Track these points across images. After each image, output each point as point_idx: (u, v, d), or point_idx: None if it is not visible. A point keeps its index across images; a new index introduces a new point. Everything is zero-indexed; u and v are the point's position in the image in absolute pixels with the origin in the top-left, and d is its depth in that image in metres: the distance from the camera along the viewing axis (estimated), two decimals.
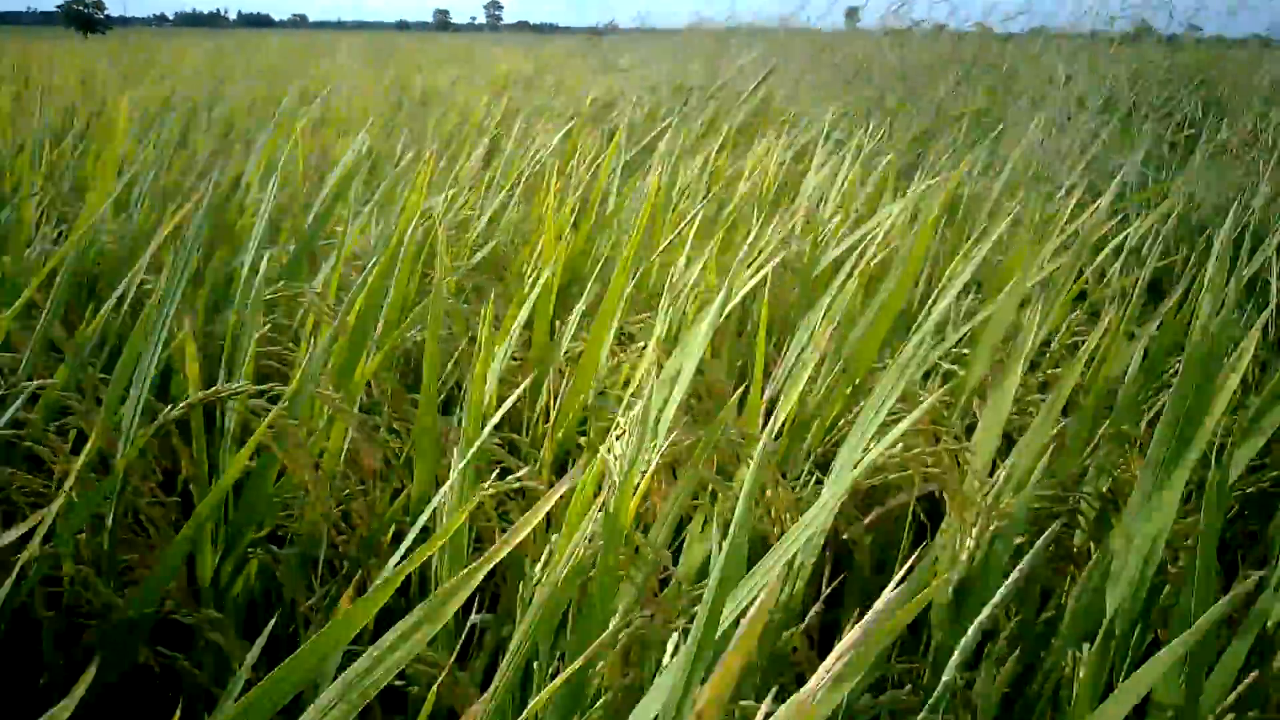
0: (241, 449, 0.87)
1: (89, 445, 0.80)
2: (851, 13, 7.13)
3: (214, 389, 0.86)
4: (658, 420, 0.72)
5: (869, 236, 1.35)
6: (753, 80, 3.83)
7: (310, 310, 1.03)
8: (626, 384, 1.18)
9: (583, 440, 1.08)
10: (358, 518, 0.98)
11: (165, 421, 0.86)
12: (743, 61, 4.67)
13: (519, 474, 0.86)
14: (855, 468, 0.71)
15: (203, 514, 0.79)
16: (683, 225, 1.32)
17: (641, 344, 1.16)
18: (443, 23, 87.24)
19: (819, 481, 0.96)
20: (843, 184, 1.72)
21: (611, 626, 0.63)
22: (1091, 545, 0.91)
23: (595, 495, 0.76)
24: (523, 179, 1.79)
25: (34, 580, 0.84)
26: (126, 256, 1.35)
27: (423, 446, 0.92)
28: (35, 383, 0.87)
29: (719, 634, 0.50)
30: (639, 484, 0.67)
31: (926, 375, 1.12)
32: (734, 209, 1.60)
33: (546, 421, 1.17)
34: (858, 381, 1.01)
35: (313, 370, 0.90)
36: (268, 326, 1.05)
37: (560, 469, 1.10)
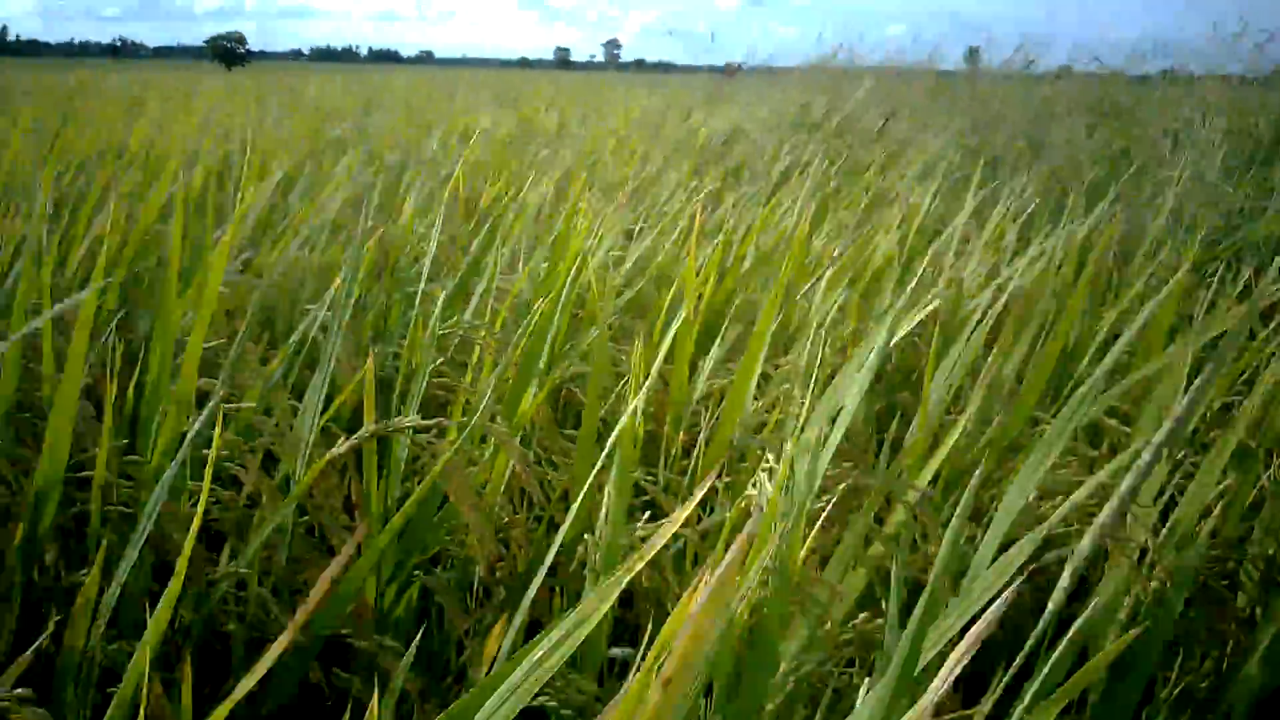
0: (415, 481, 0.92)
1: (282, 466, 0.86)
2: (972, 53, 7.03)
3: (392, 420, 0.91)
4: (815, 462, 0.74)
5: (1012, 284, 1.34)
6: (877, 120, 3.83)
7: (480, 345, 1.09)
8: (763, 426, 1.21)
9: (727, 480, 1.10)
10: (516, 546, 1.02)
11: (347, 448, 0.92)
12: (861, 96, 4.67)
13: (673, 516, 0.89)
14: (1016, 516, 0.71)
15: (382, 541, 0.84)
16: (826, 269, 1.33)
17: (785, 384, 1.18)
18: (563, 60, 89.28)
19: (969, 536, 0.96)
20: (985, 229, 1.72)
21: (783, 668, 0.65)
22: (1257, 610, 0.89)
23: (735, 533, 0.78)
24: (663, 218, 1.83)
25: (221, 591, 0.91)
26: (295, 288, 1.44)
27: (581, 478, 0.96)
28: (236, 405, 0.94)
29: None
30: (809, 528, 0.69)
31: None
32: (872, 251, 1.61)
33: (686, 458, 1.20)
34: (1013, 434, 1.01)
35: (485, 404, 0.96)
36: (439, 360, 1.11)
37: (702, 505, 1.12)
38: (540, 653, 0.46)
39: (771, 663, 0.65)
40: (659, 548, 0.52)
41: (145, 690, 0.54)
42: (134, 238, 1.44)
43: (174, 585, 0.56)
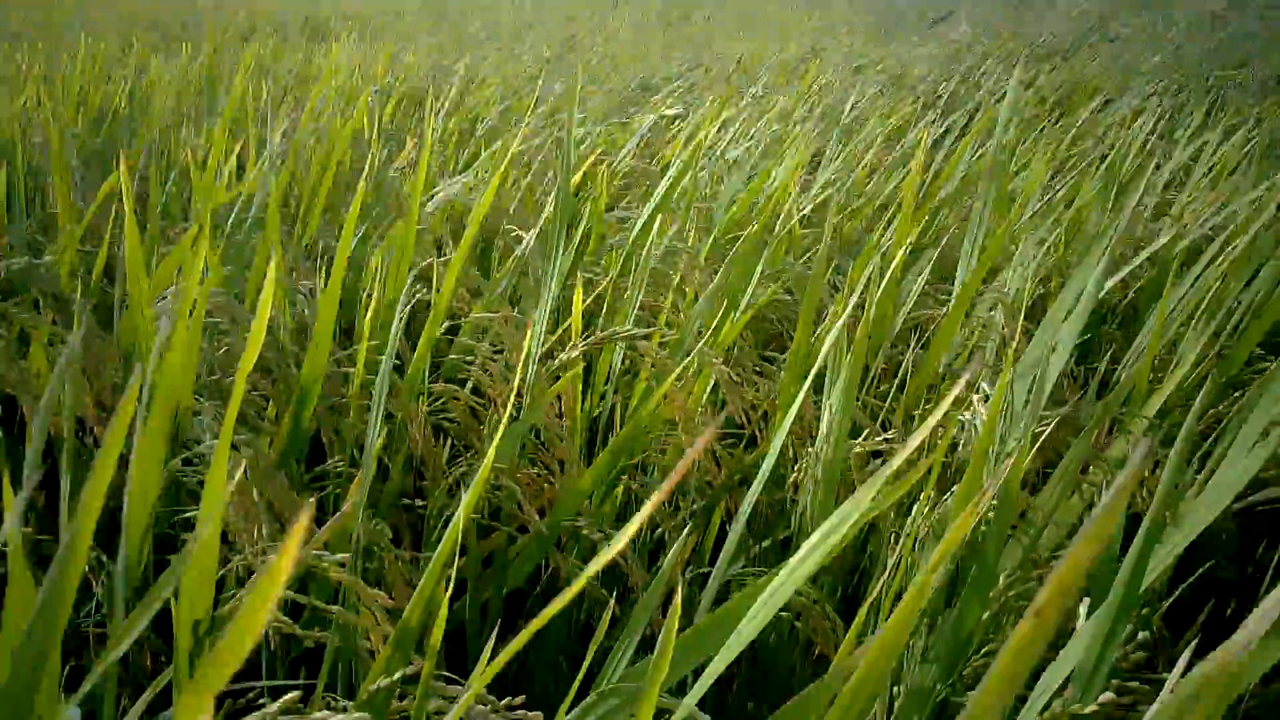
0: (637, 387, 0.98)
1: (517, 376, 0.94)
2: None
3: (615, 329, 0.97)
4: (1038, 387, 0.74)
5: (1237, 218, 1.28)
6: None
7: (688, 267, 1.13)
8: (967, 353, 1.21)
9: (929, 405, 1.11)
10: (719, 459, 1.07)
11: (568, 358, 0.98)
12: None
13: (885, 435, 0.92)
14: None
15: (617, 446, 0.90)
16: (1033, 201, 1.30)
17: (990, 311, 1.18)
18: None
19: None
20: (1206, 159, 1.63)
21: (1000, 585, 0.67)
22: None
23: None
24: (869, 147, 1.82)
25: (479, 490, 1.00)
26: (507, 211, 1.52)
27: (785, 399, 0.99)
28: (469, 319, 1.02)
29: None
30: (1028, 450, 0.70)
31: None
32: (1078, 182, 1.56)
33: (886, 383, 1.22)
34: (1232, 372, 0.98)
35: (691, 323, 1.00)
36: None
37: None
38: (794, 562, 0.48)
39: (989, 581, 0.68)
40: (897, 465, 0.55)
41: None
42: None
43: (477, 487, 0.63)
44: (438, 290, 1.05)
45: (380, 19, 5.57)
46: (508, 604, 1.03)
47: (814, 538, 0.50)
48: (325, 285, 0.89)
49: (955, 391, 0.43)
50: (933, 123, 2.25)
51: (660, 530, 1.08)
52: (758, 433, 1.11)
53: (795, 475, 0.94)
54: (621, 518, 1.11)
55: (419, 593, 0.53)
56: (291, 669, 0.94)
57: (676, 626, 0.43)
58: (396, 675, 0.52)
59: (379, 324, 1.08)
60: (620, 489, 1.11)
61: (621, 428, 1.08)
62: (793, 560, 0.49)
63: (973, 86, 3.02)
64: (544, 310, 0.99)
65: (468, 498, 0.52)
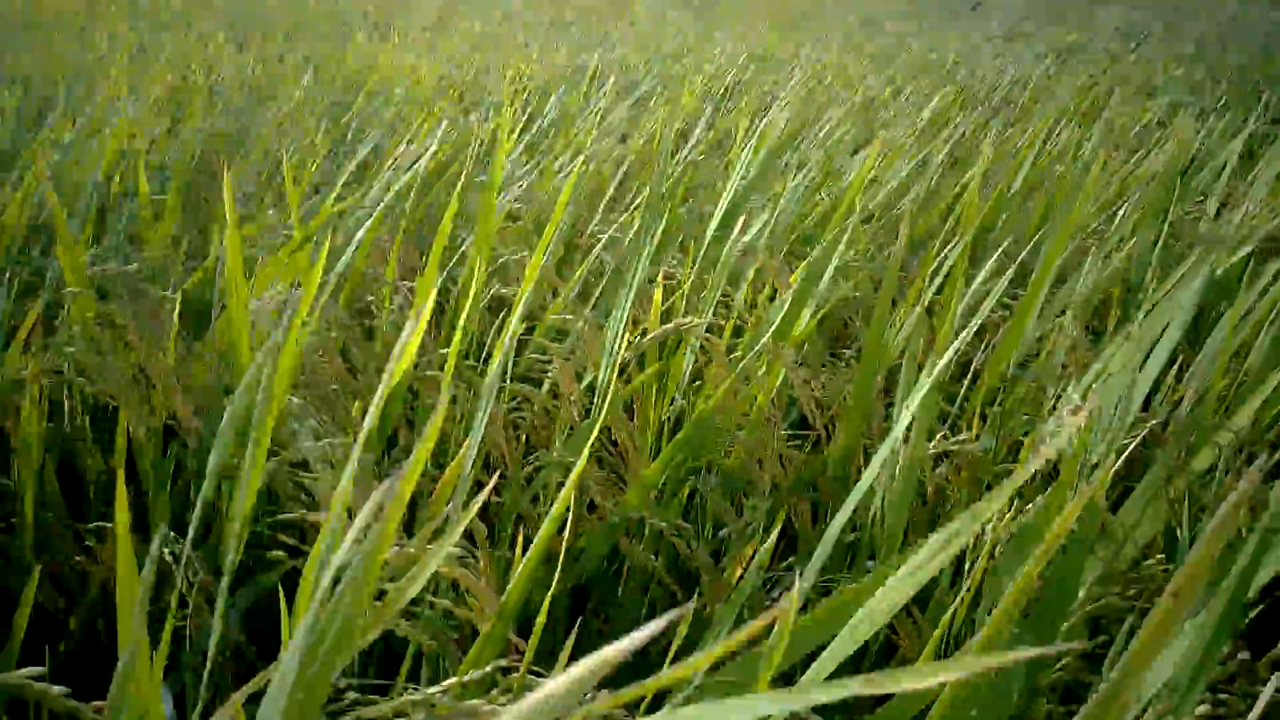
0: (704, 390, 0.99)
1: (594, 372, 0.95)
2: None
3: (679, 321, 0.98)
4: (1128, 397, 0.74)
5: None
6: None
7: (763, 267, 1.14)
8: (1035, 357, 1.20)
9: (997, 409, 1.11)
10: (785, 461, 1.07)
11: (638, 346, 1.00)
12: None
13: (959, 438, 0.92)
14: None
15: (684, 439, 0.92)
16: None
17: (1060, 316, 1.17)
18: None
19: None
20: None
21: (1081, 596, 0.67)
22: None
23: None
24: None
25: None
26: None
27: (860, 400, 1.00)
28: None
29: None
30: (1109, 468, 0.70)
31: None
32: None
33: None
34: None
35: (766, 320, 1.01)
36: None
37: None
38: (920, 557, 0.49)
39: (1071, 592, 0.68)
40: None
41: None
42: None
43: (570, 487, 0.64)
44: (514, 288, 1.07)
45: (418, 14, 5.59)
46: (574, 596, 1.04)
47: (933, 541, 0.51)
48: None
49: (1067, 414, 0.43)
50: (986, 121, 2.23)
51: (726, 530, 1.09)
52: (825, 432, 1.12)
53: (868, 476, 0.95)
54: (687, 516, 1.12)
55: (516, 586, 0.54)
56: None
57: (791, 619, 0.44)
58: (489, 666, 0.53)
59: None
60: (686, 488, 1.12)
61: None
62: (912, 562, 0.50)
63: (1019, 83, 3.00)
64: (622, 311, 1.01)
65: (564, 493, 0.53)
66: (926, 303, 1.02)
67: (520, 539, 0.82)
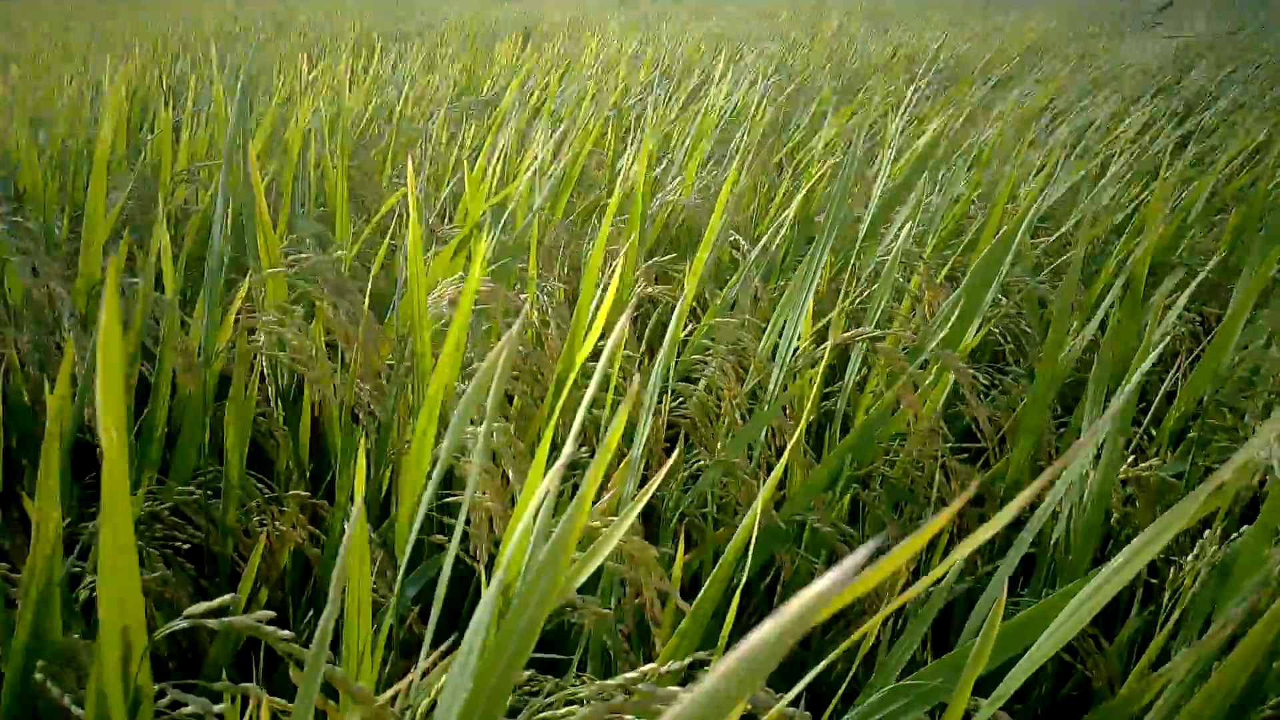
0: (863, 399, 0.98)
1: (749, 376, 0.95)
2: None
3: (857, 330, 0.97)
4: None
5: None
6: None
7: (920, 276, 1.12)
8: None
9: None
10: (950, 474, 1.05)
11: (816, 358, 0.99)
12: None
13: (1148, 463, 0.88)
14: None
15: (848, 445, 0.90)
16: None
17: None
18: None
19: None
20: None
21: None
22: None
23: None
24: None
25: (713, 477, 1.02)
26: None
27: (1034, 416, 0.97)
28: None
29: None
30: None
31: None
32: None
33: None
34: None
35: (932, 329, 0.99)
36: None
37: None
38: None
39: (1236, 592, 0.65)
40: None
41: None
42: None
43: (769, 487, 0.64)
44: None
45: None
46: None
47: (1117, 560, 0.49)
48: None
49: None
50: (1174, 129, 2.13)
51: (885, 538, 1.07)
52: (994, 449, 1.08)
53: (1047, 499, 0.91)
54: (850, 522, 1.10)
55: (712, 583, 0.55)
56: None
57: (997, 629, 0.43)
58: (686, 660, 0.54)
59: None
60: (847, 498, 1.11)
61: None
62: (1103, 573, 0.48)
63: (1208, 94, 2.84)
64: (799, 312, 1.00)
65: (764, 493, 0.53)
66: (1102, 319, 0.98)
67: (683, 537, 0.83)
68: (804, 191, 1.30)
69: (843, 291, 1.18)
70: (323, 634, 0.36)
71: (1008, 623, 0.52)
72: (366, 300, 0.88)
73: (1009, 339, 1.38)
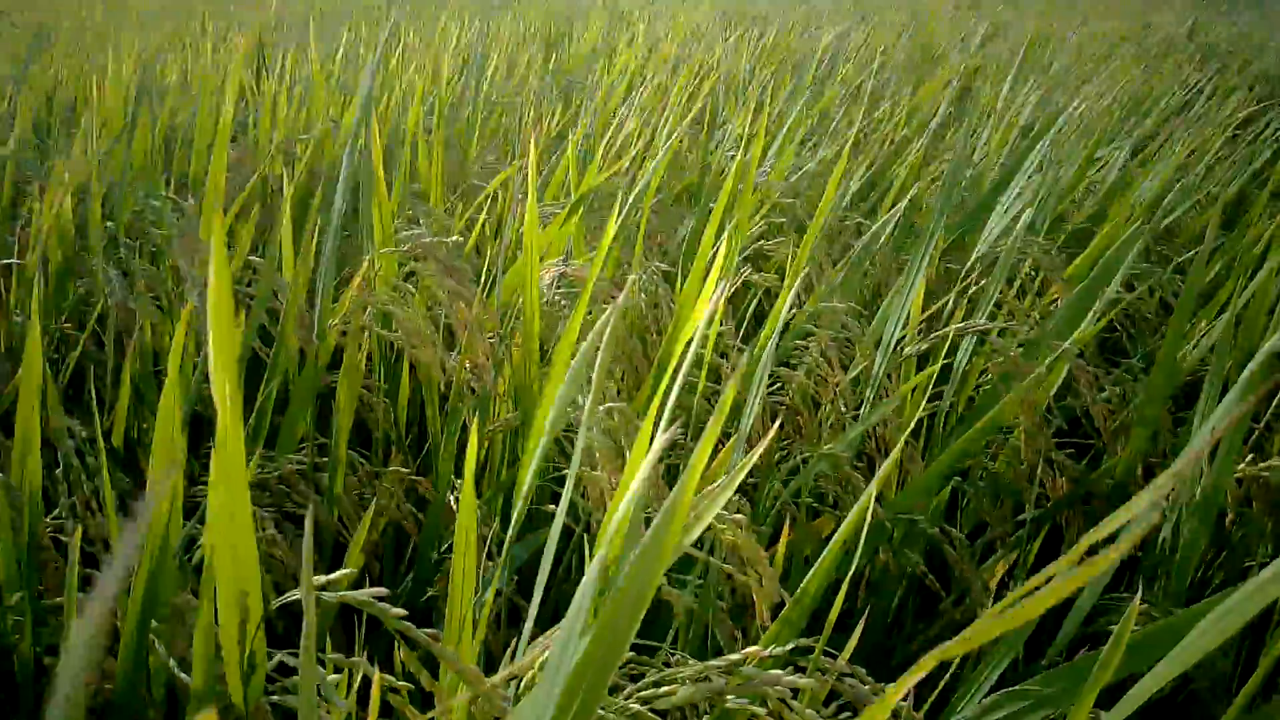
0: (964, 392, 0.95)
1: (853, 364, 0.93)
2: None
3: (969, 322, 0.94)
4: None
5: None
6: None
7: (1042, 265, 1.08)
8: None
9: None
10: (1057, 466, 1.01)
11: (929, 343, 0.97)
12: None
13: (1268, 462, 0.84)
14: None
15: (960, 448, 0.88)
16: None
17: None
18: None
19: None
20: None
21: None
22: None
23: None
24: None
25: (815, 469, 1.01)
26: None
27: (1150, 411, 0.93)
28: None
29: None
30: None
31: None
32: None
33: None
34: None
35: (1050, 321, 0.96)
36: None
37: None
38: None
39: None
40: None
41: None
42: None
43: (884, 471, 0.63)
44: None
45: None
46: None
47: (1266, 574, 0.46)
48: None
49: None
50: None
51: (988, 535, 1.04)
52: (1103, 444, 1.04)
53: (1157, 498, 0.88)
54: (949, 517, 1.08)
55: (818, 570, 0.53)
56: None
57: (1126, 639, 0.41)
58: (789, 646, 0.53)
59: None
60: (946, 491, 1.08)
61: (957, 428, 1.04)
62: (1247, 588, 0.46)
63: None
64: (906, 300, 0.98)
65: (873, 488, 0.52)
66: (1237, 311, 0.93)
67: (786, 525, 0.81)
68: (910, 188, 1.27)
69: (958, 277, 1.15)
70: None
71: (1135, 634, 0.50)
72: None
73: (1122, 327, 1.32)
